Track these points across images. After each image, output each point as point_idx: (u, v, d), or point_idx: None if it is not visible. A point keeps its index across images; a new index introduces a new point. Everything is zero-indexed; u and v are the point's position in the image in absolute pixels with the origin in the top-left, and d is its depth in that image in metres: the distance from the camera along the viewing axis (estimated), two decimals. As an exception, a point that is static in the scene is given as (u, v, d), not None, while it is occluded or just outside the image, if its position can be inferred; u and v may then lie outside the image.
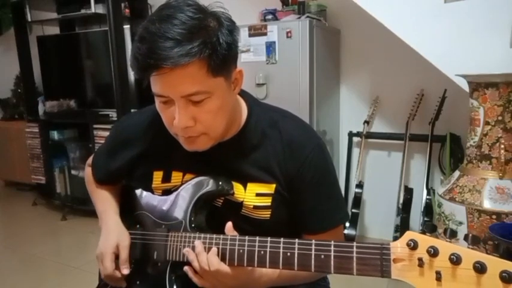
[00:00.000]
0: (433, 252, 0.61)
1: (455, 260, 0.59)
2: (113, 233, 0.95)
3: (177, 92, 0.77)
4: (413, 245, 0.63)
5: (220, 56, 0.76)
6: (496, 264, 0.57)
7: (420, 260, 0.62)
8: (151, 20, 0.77)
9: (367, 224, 2.79)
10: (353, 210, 2.51)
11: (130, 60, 0.79)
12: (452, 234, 0.57)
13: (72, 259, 2.57)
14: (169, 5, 0.78)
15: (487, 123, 1.70)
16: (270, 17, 2.52)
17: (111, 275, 0.91)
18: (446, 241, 0.62)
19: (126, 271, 0.91)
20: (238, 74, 0.85)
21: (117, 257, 0.92)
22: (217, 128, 0.84)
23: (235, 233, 0.82)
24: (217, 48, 0.75)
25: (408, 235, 0.64)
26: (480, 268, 0.57)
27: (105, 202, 1.05)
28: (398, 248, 0.65)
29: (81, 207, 3.27)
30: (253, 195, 0.89)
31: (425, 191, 2.36)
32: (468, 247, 0.58)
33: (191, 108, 0.79)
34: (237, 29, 0.80)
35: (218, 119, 0.83)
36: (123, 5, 3.14)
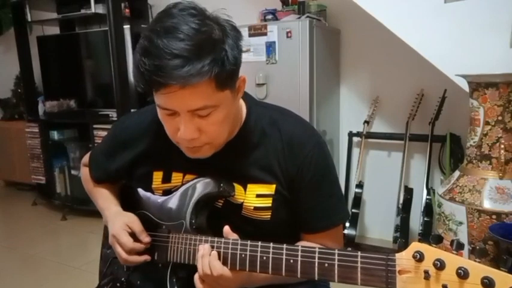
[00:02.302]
0: (440, 265, 0.59)
1: (463, 274, 0.58)
2: (117, 217, 0.96)
3: (184, 107, 0.76)
4: (419, 257, 0.61)
5: (228, 71, 0.76)
6: (504, 280, 0.56)
7: (426, 272, 0.60)
8: (154, 30, 0.74)
9: (367, 224, 2.78)
10: (353, 210, 2.51)
11: (134, 73, 0.77)
12: (459, 246, 0.56)
13: (72, 259, 2.57)
14: (172, 14, 0.75)
15: (487, 123, 1.70)
16: (270, 17, 2.52)
17: (133, 248, 0.90)
18: (453, 253, 0.61)
19: (147, 239, 0.91)
20: (242, 82, 0.84)
21: (131, 234, 0.91)
22: (221, 137, 0.85)
23: (234, 235, 0.82)
24: (226, 64, 0.74)
25: (414, 246, 0.63)
26: (488, 284, 0.56)
27: (105, 199, 1.05)
28: (404, 259, 0.63)
29: (81, 207, 3.27)
30: (253, 196, 0.89)
31: (425, 191, 2.36)
32: (475, 260, 0.57)
33: (196, 120, 0.78)
34: (241, 38, 0.79)
35: (222, 129, 0.83)
36: (123, 5, 3.14)
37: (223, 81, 0.75)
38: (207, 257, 0.80)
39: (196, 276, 0.81)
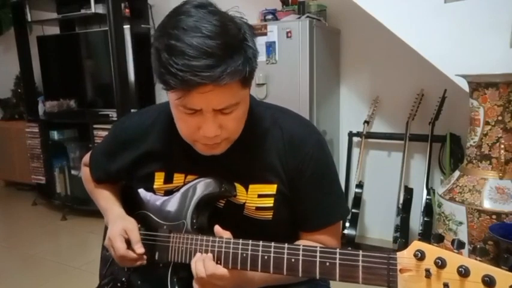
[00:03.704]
0: (441, 264, 0.60)
1: (464, 272, 0.58)
2: (118, 220, 0.95)
3: (211, 106, 0.76)
4: (420, 256, 0.61)
5: (253, 70, 0.77)
6: (505, 278, 0.56)
7: (427, 271, 0.61)
8: (179, 28, 0.72)
9: (367, 224, 2.78)
10: (353, 210, 2.51)
11: (162, 73, 0.74)
12: (460, 245, 0.56)
13: (72, 259, 2.57)
14: (188, 12, 0.74)
15: (487, 123, 1.70)
16: (270, 17, 2.52)
17: (124, 254, 0.89)
18: (454, 252, 0.62)
19: (141, 250, 0.89)
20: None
21: (126, 241, 0.91)
22: (238, 132, 0.85)
23: (226, 233, 0.82)
24: (252, 63, 0.76)
25: (415, 245, 0.63)
26: (489, 282, 0.56)
27: (107, 200, 1.05)
28: (405, 258, 0.63)
29: (81, 207, 3.27)
30: (255, 196, 0.89)
31: (425, 191, 2.36)
32: (476, 259, 0.57)
33: (219, 117, 0.79)
34: (255, 36, 0.80)
35: (241, 124, 0.84)
36: (123, 5, 3.14)
37: (247, 80, 0.77)
38: (200, 261, 0.80)
39: (194, 281, 0.81)
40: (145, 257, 0.91)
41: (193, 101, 0.75)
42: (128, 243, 0.91)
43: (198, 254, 0.82)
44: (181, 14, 0.75)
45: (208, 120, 0.78)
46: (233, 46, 0.73)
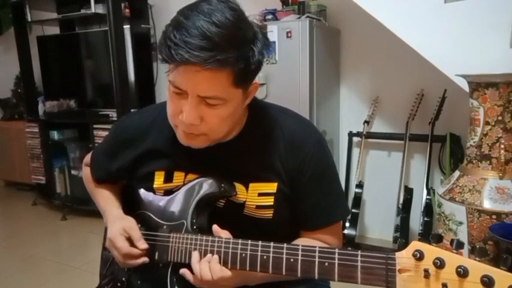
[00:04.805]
0: (440, 264, 0.60)
1: (463, 272, 0.58)
2: (117, 220, 0.96)
3: (196, 91, 0.77)
4: (419, 256, 0.62)
5: (249, 71, 0.78)
6: (504, 278, 0.56)
7: (426, 271, 0.61)
8: (193, 10, 0.75)
9: (367, 224, 2.78)
10: (353, 210, 2.51)
11: (161, 44, 0.77)
12: (459, 245, 0.57)
13: (72, 259, 2.57)
14: (209, 2, 0.76)
15: (487, 123, 1.70)
16: (270, 17, 2.52)
17: (128, 252, 0.90)
18: (453, 252, 0.61)
19: (144, 245, 0.90)
20: (254, 88, 0.86)
21: (128, 239, 0.91)
22: (219, 132, 0.85)
23: (224, 232, 0.82)
24: (250, 64, 0.77)
25: (414, 245, 0.63)
26: (488, 282, 0.56)
27: (107, 200, 1.05)
28: (404, 258, 0.64)
29: (81, 207, 3.27)
30: (255, 195, 0.90)
31: (425, 191, 2.36)
32: (475, 259, 0.58)
33: (202, 107, 0.79)
34: (268, 48, 0.82)
35: (223, 125, 0.84)
36: (123, 5, 3.13)
37: (241, 79, 0.77)
38: (205, 263, 0.80)
39: (191, 278, 0.81)
40: (146, 259, 0.91)
41: (180, 78, 0.77)
42: (129, 242, 0.91)
43: (197, 257, 0.82)
44: (203, 1, 0.77)
45: (190, 105, 0.78)
46: (235, 41, 0.74)
